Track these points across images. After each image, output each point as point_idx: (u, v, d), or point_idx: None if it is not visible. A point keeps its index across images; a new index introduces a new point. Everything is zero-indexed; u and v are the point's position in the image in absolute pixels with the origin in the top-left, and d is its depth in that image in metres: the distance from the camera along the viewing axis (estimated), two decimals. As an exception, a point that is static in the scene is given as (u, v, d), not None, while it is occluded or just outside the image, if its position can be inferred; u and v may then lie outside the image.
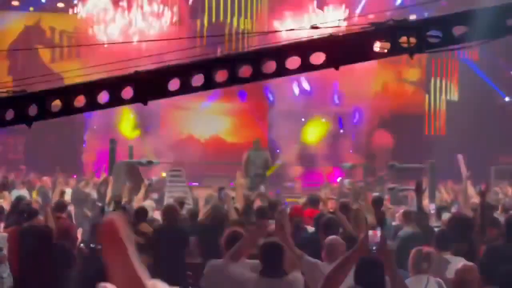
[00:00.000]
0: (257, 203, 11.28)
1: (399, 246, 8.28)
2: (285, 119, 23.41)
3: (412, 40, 5.37)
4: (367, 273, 4.71)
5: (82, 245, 10.32)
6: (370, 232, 4.54)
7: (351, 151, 25.37)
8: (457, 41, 5.45)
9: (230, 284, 5.74)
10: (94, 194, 17.13)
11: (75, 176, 20.77)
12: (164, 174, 19.72)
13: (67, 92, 5.85)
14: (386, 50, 5.43)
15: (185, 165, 19.23)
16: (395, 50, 5.46)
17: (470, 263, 5.41)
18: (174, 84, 5.61)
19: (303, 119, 25.41)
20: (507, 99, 25.20)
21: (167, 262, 8.47)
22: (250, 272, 5.71)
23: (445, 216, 9.35)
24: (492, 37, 5.49)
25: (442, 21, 5.46)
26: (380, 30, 5.44)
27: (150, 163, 15.44)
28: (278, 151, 25.02)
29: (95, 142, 23.24)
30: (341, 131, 25.89)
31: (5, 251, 8.55)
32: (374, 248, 4.48)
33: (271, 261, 5.66)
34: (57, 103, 5.80)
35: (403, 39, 5.38)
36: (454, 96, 25.72)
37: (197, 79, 5.59)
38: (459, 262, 6.04)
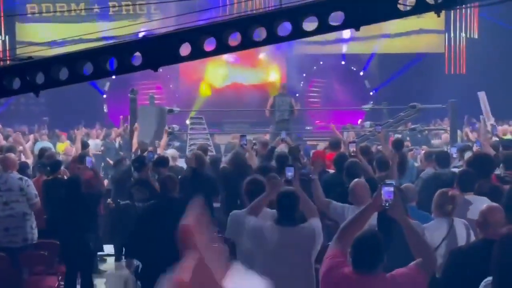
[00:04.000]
0: (280, 148, 11.31)
1: (421, 188, 8.33)
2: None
3: None
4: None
5: (109, 200, 10.51)
6: (385, 188, 4.54)
7: (371, 93, 25.31)
8: None
9: (250, 234, 5.86)
10: (116, 144, 17.32)
11: (97, 127, 20.94)
12: (188, 122, 19.82)
13: (74, 60, 5.63)
14: (410, 8, 5.06)
15: (206, 112, 19.29)
16: (421, 7, 5.09)
17: (495, 204, 5.39)
18: (185, 49, 5.35)
19: (321, 62, 25.33)
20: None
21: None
22: (268, 221, 5.81)
23: (468, 155, 9.32)
24: None
25: None
26: None
27: (171, 111, 15.46)
28: (297, 94, 25.01)
29: (115, 92, 23.30)
30: (361, 73, 25.80)
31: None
32: (387, 204, 4.49)
33: (284, 210, 5.73)
34: (64, 71, 5.63)
35: None
36: (475, 34, 25.39)
37: (209, 43, 5.35)
38: (481, 203, 6.06)
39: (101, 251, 10.37)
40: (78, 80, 5.67)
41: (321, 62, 25.30)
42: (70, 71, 5.57)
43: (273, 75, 24.89)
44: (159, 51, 5.43)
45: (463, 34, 25.43)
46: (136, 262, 7.65)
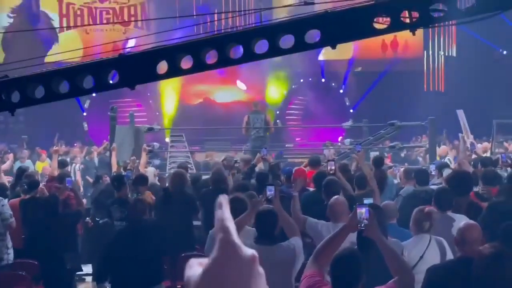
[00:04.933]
0: (260, 166, 11.34)
1: (401, 205, 8.36)
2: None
3: (414, 14, 5.02)
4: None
5: (88, 218, 10.45)
6: (360, 209, 4.56)
7: (351, 110, 25.41)
8: (463, 15, 5.09)
9: None
10: (96, 162, 17.26)
11: (76, 145, 20.84)
12: (167, 140, 19.80)
13: (49, 78, 5.53)
14: (386, 26, 5.07)
15: (185, 130, 19.28)
16: (396, 25, 5.11)
17: (472, 222, 5.41)
18: (162, 66, 5.31)
19: (301, 80, 25.44)
20: (505, 52, 25.11)
21: (176, 228, 8.53)
22: (248, 240, 5.79)
23: (447, 172, 9.37)
24: (503, 9, 5.13)
25: None
26: (380, 5, 5.10)
27: (150, 129, 15.44)
28: (277, 112, 25.08)
29: (95, 109, 23.22)
30: (341, 91, 25.92)
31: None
32: (363, 225, 4.52)
33: (263, 229, 5.73)
34: (40, 89, 5.54)
35: (405, 13, 5.03)
36: (453, 51, 25.63)
37: (186, 61, 5.31)
38: (460, 221, 6.09)
39: (79, 271, 10.28)
40: (54, 98, 5.60)
41: (301, 80, 25.41)
42: (46, 89, 5.50)
43: (253, 92, 24.93)
44: (136, 69, 5.40)
45: (441, 52, 25.65)
46: (107, 286, 7.58)
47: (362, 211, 4.53)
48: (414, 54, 25.42)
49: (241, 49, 5.22)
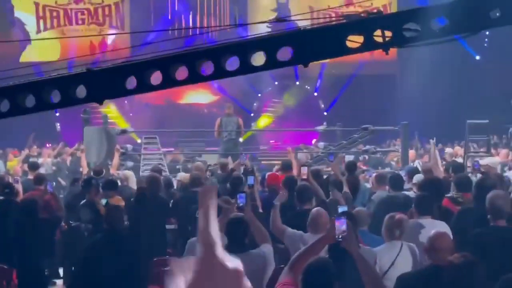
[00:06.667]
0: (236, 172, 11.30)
1: (375, 210, 8.36)
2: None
3: (388, 33, 5.01)
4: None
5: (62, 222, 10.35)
6: (338, 221, 4.60)
7: (325, 113, 25.49)
8: (436, 35, 5.06)
9: None
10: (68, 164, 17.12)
11: (48, 145, 20.66)
12: (139, 141, 19.69)
13: (14, 92, 5.44)
14: (359, 45, 5.02)
15: (159, 132, 19.19)
16: (369, 44, 5.06)
17: (442, 231, 5.44)
18: (131, 82, 5.24)
19: (276, 83, 25.49)
20: (477, 57, 25.31)
21: (149, 233, 8.48)
22: None
23: (417, 178, 9.41)
24: (474, 31, 5.10)
25: (420, 13, 5.07)
26: (353, 23, 5.07)
27: (124, 131, 15.36)
28: (252, 114, 25.10)
29: (68, 110, 22.99)
30: (315, 94, 25.99)
31: None
32: (340, 236, 4.55)
33: (233, 236, 5.71)
34: (5, 103, 5.44)
35: (378, 32, 5.01)
36: (426, 56, 25.72)
37: (156, 77, 5.25)
38: (435, 227, 6.12)
39: (57, 278, 10.18)
40: (19, 112, 5.49)
41: (276, 83, 25.45)
42: (11, 103, 5.41)
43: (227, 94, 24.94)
44: (104, 84, 5.32)
45: (415, 57, 25.71)
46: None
47: (340, 223, 4.56)
48: (388, 56, 25.44)
49: (211, 66, 5.16)
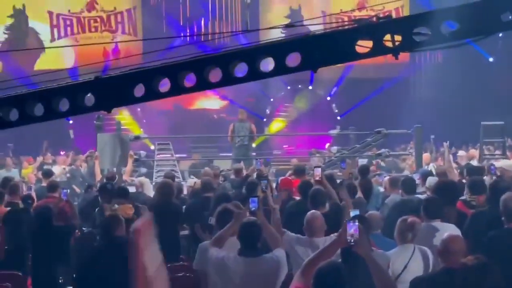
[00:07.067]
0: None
1: (388, 214, 8.33)
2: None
3: (397, 38, 4.96)
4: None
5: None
6: (350, 224, 4.58)
7: (338, 117, 25.43)
8: (446, 39, 5.01)
9: (213, 265, 5.83)
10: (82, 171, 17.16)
11: (62, 153, 20.73)
12: (152, 147, 19.74)
13: (23, 100, 5.41)
14: (368, 50, 4.98)
15: (172, 138, 19.24)
16: (379, 49, 5.01)
17: (456, 233, 5.42)
18: (139, 90, 5.21)
19: (288, 87, 25.49)
20: (491, 59, 25.17)
21: (162, 239, 8.45)
22: (233, 252, 5.79)
23: (430, 181, 9.36)
24: (484, 34, 5.03)
25: (430, 17, 5.01)
26: (362, 28, 5.04)
27: (137, 137, 15.40)
28: (264, 119, 25.11)
29: (81, 117, 23.06)
30: (328, 98, 25.94)
31: None
32: (352, 240, 4.53)
33: (246, 241, 5.72)
34: (14, 112, 5.42)
35: (388, 37, 4.97)
36: (439, 59, 25.66)
37: (164, 84, 5.23)
38: (448, 230, 6.09)
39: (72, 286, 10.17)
40: (28, 121, 5.45)
41: (288, 87, 25.44)
42: (20, 112, 5.39)
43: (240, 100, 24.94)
44: (112, 92, 5.31)
45: (428, 59, 25.67)
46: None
47: (352, 227, 4.54)
48: (401, 60, 25.35)
49: (220, 72, 5.15)
